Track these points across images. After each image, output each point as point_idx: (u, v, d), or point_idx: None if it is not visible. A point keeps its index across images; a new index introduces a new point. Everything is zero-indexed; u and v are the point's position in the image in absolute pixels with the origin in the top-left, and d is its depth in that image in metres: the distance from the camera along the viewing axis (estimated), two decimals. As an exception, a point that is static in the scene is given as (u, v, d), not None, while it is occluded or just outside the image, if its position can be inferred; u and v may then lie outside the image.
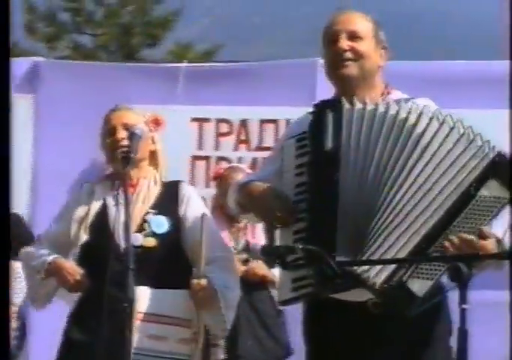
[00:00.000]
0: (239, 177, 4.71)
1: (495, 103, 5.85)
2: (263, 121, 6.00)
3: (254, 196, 2.98)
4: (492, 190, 2.68)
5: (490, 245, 2.68)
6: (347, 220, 2.73)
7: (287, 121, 5.85)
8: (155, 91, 6.25)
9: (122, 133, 3.43)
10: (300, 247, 2.57)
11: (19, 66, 6.31)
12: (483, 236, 2.66)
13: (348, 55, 2.94)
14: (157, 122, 3.52)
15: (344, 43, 2.95)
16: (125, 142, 3.38)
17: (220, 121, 6.20)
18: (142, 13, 19.05)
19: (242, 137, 6.19)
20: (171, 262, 3.40)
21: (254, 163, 6.00)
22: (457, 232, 2.66)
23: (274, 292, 4.62)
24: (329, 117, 2.81)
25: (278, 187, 2.93)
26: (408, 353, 2.83)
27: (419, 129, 2.71)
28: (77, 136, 5.96)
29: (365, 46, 2.96)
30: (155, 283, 3.33)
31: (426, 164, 2.69)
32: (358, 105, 2.79)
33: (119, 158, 3.34)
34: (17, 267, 4.33)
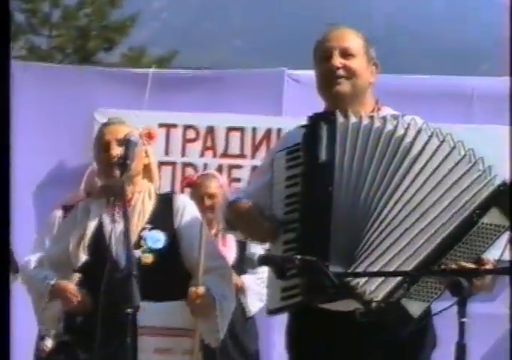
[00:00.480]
0: (212, 184, 4.75)
1: (460, 119, 5.95)
2: (229, 129, 6.05)
3: (240, 215, 3.00)
4: (493, 218, 2.70)
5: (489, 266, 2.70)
6: (340, 231, 2.74)
7: (254, 129, 5.93)
8: (124, 95, 6.28)
9: (117, 150, 3.40)
10: (298, 257, 2.56)
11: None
12: (482, 264, 2.68)
13: (341, 72, 2.96)
14: (150, 136, 3.55)
15: (338, 60, 2.97)
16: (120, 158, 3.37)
17: (187, 127, 6.24)
18: (99, 16, 19.07)
19: (209, 144, 6.23)
20: (170, 274, 3.40)
21: (219, 170, 6.03)
22: (456, 257, 2.68)
23: (243, 299, 4.62)
24: (324, 129, 2.82)
25: (266, 201, 2.95)
26: None
27: (417, 146, 2.73)
28: (42, 142, 6.03)
29: (358, 63, 2.98)
30: (156, 297, 3.30)
31: (425, 182, 2.71)
32: (353, 119, 2.81)
33: (116, 166, 3.30)
34: None
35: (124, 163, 3.23)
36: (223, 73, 6.79)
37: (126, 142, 3.29)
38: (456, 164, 2.72)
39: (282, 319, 3.20)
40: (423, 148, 2.73)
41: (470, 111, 6.08)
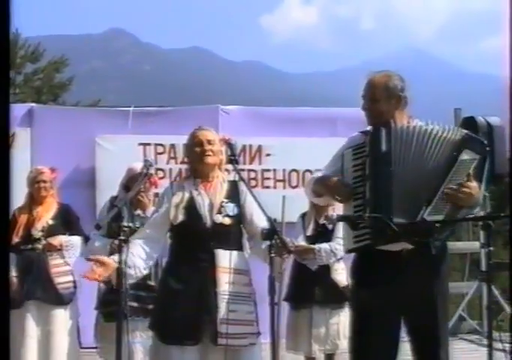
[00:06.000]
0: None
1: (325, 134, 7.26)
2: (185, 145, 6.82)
3: (328, 183, 3.29)
4: (466, 155, 3.13)
5: (474, 185, 3.08)
6: (399, 196, 3.10)
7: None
8: (114, 125, 7.30)
9: (207, 146, 3.66)
10: (367, 215, 3.02)
11: (19, 109, 7.34)
12: (469, 179, 3.08)
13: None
14: (225, 140, 3.67)
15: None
16: (210, 153, 3.67)
17: (157, 144, 7.33)
18: (48, 79, 20.20)
19: (172, 155, 7.34)
20: (237, 233, 3.67)
21: (180, 172, 6.98)
22: (451, 183, 3.09)
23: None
24: (383, 132, 3.18)
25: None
26: (426, 283, 3.17)
27: (432, 134, 3.16)
28: (61, 156, 6.81)
29: None
30: (229, 247, 3.57)
31: (435, 154, 3.15)
32: (399, 125, 3.20)
33: (227, 162, 3.66)
34: (69, 239, 5.07)
35: (234, 159, 3.58)
36: (176, 108, 7.77)
37: (230, 145, 3.60)
38: (450, 138, 3.17)
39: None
40: (430, 133, 3.16)
41: (334, 129, 7.35)
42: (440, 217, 3.07)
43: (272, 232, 3.25)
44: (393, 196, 3.08)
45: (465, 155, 3.11)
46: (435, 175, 3.11)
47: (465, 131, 3.18)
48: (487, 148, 3.18)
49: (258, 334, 3.58)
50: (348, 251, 3.30)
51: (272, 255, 3.24)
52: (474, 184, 3.08)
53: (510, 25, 2.90)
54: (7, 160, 1.66)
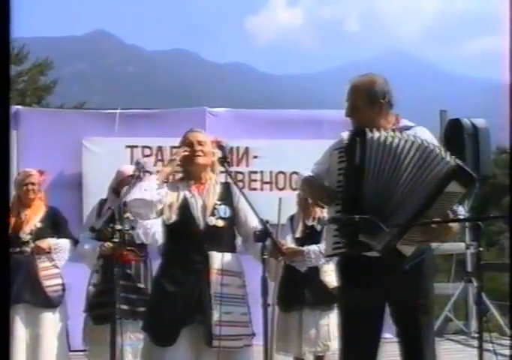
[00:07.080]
0: None
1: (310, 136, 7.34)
2: (172, 147, 6.71)
3: (309, 187, 3.34)
4: (453, 187, 2.94)
5: (452, 224, 3.01)
6: (368, 206, 3.00)
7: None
8: (100, 127, 7.32)
9: (198, 147, 3.65)
10: (357, 216, 2.93)
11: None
12: (447, 218, 2.96)
13: None
14: (217, 143, 3.66)
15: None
16: (201, 153, 3.67)
17: (144, 147, 7.36)
18: (32, 81, 20.18)
19: (159, 157, 7.34)
20: (230, 235, 3.68)
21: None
22: (432, 214, 2.95)
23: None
24: (358, 142, 3.07)
25: (324, 180, 3.28)
26: (408, 284, 3.12)
27: (405, 150, 2.99)
28: (47, 159, 6.82)
29: None
30: (222, 249, 3.58)
31: (411, 170, 3.00)
32: (376, 134, 3.03)
33: (215, 163, 3.67)
34: (57, 242, 5.03)
35: (226, 161, 3.58)
36: (163, 111, 7.80)
37: (221, 147, 3.58)
38: (428, 155, 2.99)
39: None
40: (409, 150, 2.98)
41: (320, 131, 7.36)
42: (411, 249, 3.02)
43: (265, 233, 3.26)
44: (363, 212, 2.99)
45: (452, 187, 2.95)
46: (413, 203, 2.99)
47: (458, 162, 2.98)
48: (476, 184, 3.06)
49: (253, 335, 3.60)
50: (327, 256, 3.34)
51: (265, 256, 3.25)
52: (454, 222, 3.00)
53: (510, 27, 2.91)
54: (7, 161, 1.54)
